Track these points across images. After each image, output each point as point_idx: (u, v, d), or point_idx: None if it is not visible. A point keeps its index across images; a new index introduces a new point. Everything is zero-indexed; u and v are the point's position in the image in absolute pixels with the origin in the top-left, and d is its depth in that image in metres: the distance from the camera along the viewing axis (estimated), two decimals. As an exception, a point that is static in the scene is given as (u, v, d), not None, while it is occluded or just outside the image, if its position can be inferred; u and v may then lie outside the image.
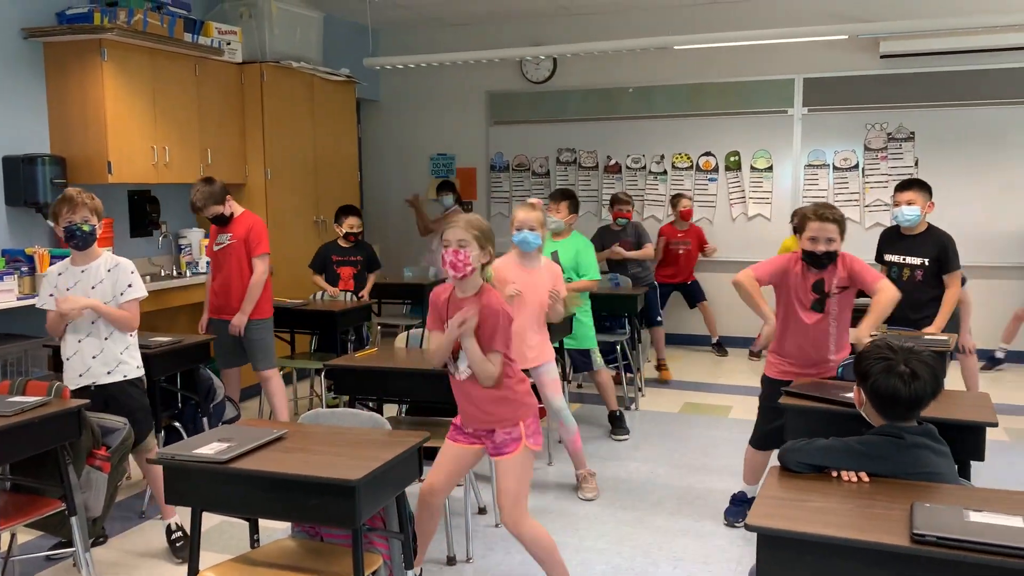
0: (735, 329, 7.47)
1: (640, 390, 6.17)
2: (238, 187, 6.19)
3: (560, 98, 8.17)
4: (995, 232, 6.90)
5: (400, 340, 4.12)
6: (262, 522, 2.84)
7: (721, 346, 7.52)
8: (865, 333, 3.36)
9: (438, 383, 3.43)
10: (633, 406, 5.86)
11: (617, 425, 5.21)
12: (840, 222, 3.42)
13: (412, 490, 3.68)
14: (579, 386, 6.43)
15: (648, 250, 6.53)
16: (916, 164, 7.10)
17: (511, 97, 8.36)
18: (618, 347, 5.91)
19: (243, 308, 4.70)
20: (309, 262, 6.04)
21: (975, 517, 1.90)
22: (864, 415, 2.36)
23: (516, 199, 8.36)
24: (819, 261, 3.44)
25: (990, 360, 6.76)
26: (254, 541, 2.78)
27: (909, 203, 4.34)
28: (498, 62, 8.14)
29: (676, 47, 7.28)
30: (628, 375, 5.97)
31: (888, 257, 4.48)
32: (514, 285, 3.84)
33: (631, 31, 7.55)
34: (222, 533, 3.75)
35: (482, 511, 3.98)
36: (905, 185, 4.40)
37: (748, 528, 1.97)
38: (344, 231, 5.91)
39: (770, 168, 7.57)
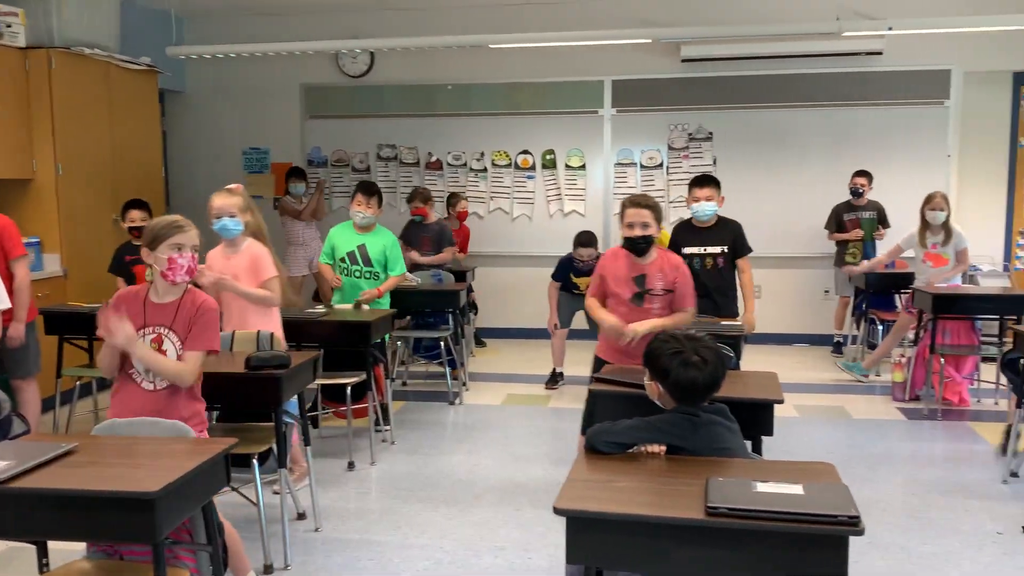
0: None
1: (464, 384, 6.21)
2: (24, 183, 5.68)
3: (378, 93, 8.08)
4: (787, 225, 7.50)
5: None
6: (55, 544, 2.62)
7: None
8: (643, 330, 3.53)
9: (255, 386, 3.31)
10: (457, 400, 5.90)
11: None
12: (654, 208, 3.63)
13: (231, 499, 3.55)
14: (404, 384, 6.39)
15: (446, 255, 6.64)
16: (715, 162, 7.60)
17: (327, 91, 8.18)
18: (442, 343, 5.94)
19: (17, 316, 4.30)
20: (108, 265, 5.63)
21: (762, 488, 2.04)
22: (660, 404, 2.48)
23: (337, 195, 8.20)
24: (637, 245, 3.63)
25: (835, 346, 7.32)
26: (43, 566, 2.55)
27: (707, 199, 4.62)
28: (313, 55, 7.95)
29: (492, 45, 7.38)
30: (453, 370, 6.00)
31: (687, 250, 4.73)
32: (211, 273, 3.83)
33: (448, 28, 7.58)
34: (10, 560, 3.43)
35: (301, 516, 3.87)
36: (701, 181, 4.67)
37: (556, 512, 2.03)
38: (127, 226, 5.47)
39: (583, 166, 7.85)
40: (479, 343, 7.69)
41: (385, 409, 5.02)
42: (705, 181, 4.66)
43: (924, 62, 7.18)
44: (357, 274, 5.03)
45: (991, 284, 6.55)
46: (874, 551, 3.47)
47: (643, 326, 3.55)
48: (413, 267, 6.30)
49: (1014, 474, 4.30)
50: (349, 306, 4.93)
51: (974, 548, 3.50)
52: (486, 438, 5.11)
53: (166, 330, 2.82)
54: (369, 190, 5.02)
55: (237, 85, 8.25)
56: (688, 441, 2.34)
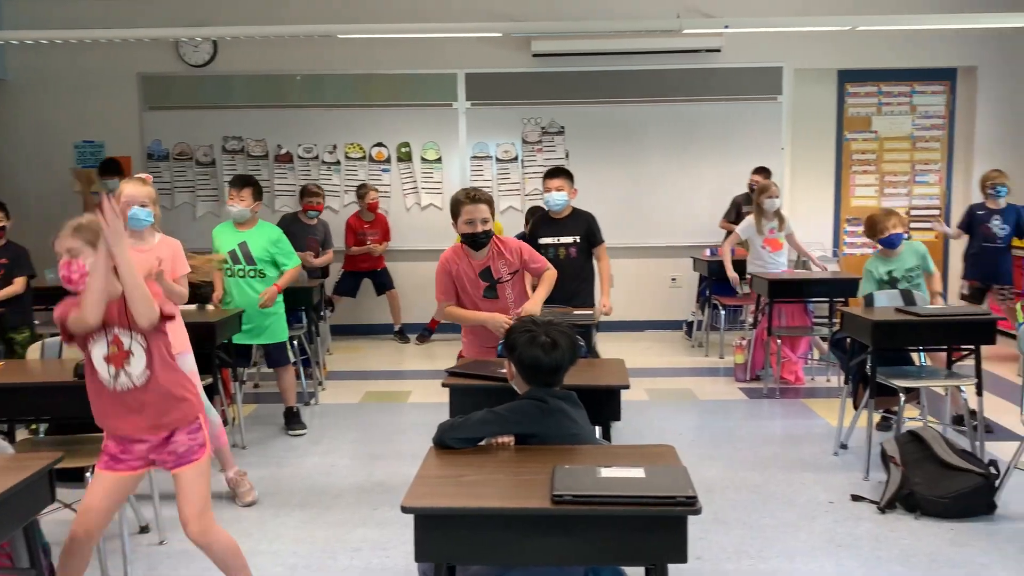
0: (420, 316, 7.63)
1: (320, 384, 6.07)
2: None
3: (223, 83, 7.75)
4: (636, 216, 7.75)
5: (33, 351, 3.63)
6: None
7: (403, 333, 7.64)
8: (536, 307, 3.58)
9: (83, 396, 3.09)
10: (313, 400, 5.75)
11: (293, 421, 5.08)
12: (490, 202, 3.65)
13: (57, 517, 3.30)
14: (256, 386, 6.18)
15: (328, 256, 6.68)
16: (567, 156, 7.75)
17: (167, 81, 7.76)
18: (295, 341, 5.77)
19: None
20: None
21: (606, 473, 2.09)
22: (515, 387, 2.51)
23: (179, 190, 7.82)
24: (478, 241, 3.62)
25: (688, 327, 7.59)
26: None
27: (558, 189, 4.73)
28: (151, 42, 7.52)
29: (341, 36, 7.22)
30: (307, 369, 5.85)
31: (543, 240, 4.82)
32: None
33: (296, 17, 7.37)
34: None
35: (144, 530, 3.66)
36: (553, 173, 4.81)
37: (404, 510, 2.00)
38: None
39: (439, 159, 7.82)
40: (402, 338, 7.55)
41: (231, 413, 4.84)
42: (556, 172, 4.80)
43: (759, 59, 7.58)
44: (241, 274, 4.78)
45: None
46: (719, 527, 3.64)
47: (534, 306, 3.57)
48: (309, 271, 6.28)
49: (844, 446, 4.62)
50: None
51: (809, 518, 3.73)
52: (343, 438, 5.01)
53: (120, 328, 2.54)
54: (241, 182, 4.76)
55: (66, 74, 7.70)
56: (538, 428, 2.37)
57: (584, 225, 4.81)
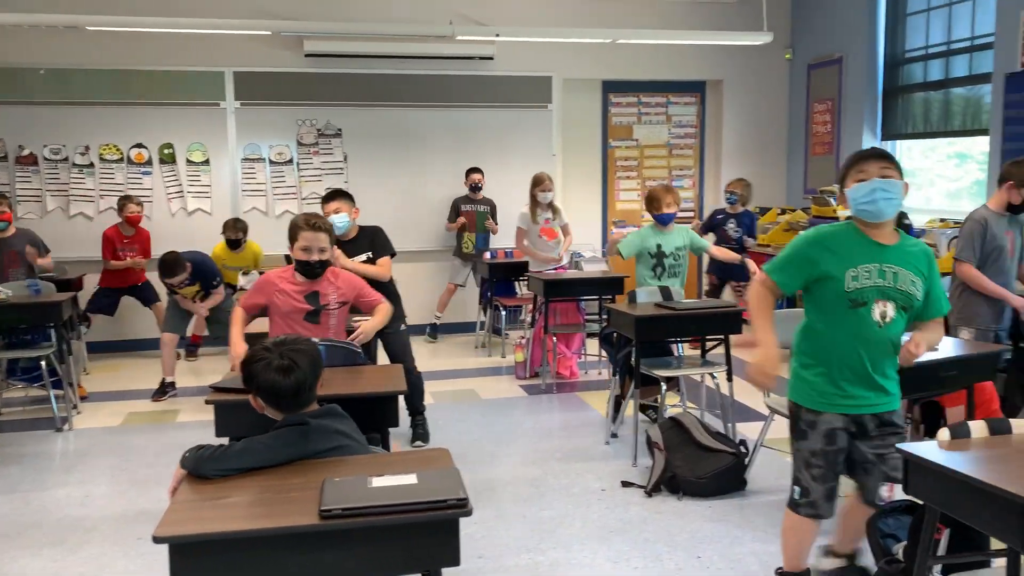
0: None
1: (75, 407, 5.53)
2: None
3: (-51, 76, 6.88)
4: (415, 220, 7.74)
5: None
6: None
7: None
8: (372, 328, 3.69)
9: None
10: (66, 426, 5.23)
11: None
12: (330, 232, 3.63)
13: None
14: (-3, 413, 5.54)
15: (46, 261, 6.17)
16: (345, 159, 7.61)
17: None
18: (43, 362, 5.23)
19: None
20: None
21: (377, 482, 2.05)
22: (271, 416, 2.40)
23: None
24: (313, 270, 3.59)
25: (432, 329, 7.61)
26: None
27: (336, 211, 4.58)
28: None
29: (90, 28, 6.63)
30: (58, 391, 5.31)
31: None
32: None
33: (36, 4, 6.68)
34: None
35: None
36: (328, 197, 4.59)
37: (155, 540, 1.85)
38: None
39: (207, 162, 7.41)
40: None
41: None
42: (332, 196, 4.59)
43: (530, 69, 7.84)
44: None
45: (592, 268, 7.34)
46: (500, 523, 3.71)
47: (371, 328, 3.69)
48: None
49: (614, 435, 4.87)
50: None
51: (583, 507, 3.90)
52: (101, 465, 4.59)
53: None
54: None
55: None
56: (304, 451, 2.27)
57: (369, 240, 4.72)
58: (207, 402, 2.91)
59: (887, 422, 2.66)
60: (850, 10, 7.50)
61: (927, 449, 2.27)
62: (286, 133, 7.50)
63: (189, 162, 7.37)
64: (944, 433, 2.31)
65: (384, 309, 3.82)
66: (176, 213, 7.37)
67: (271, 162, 7.51)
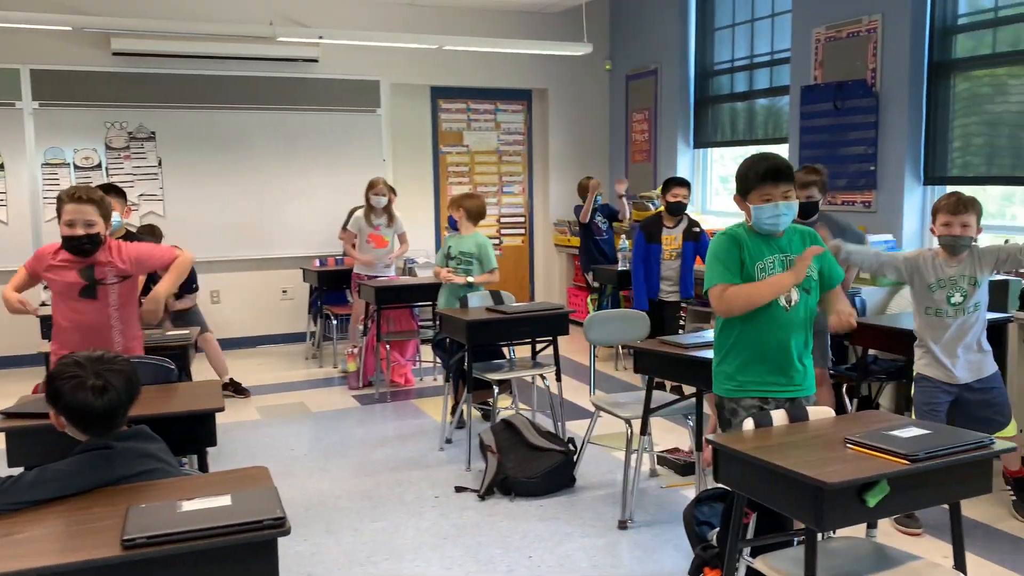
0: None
1: None
2: None
3: None
4: (242, 227, 7.43)
5: None
6: None
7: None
8: (163, 294, 3.41)
9: None
10: None
11: None
12: (100, 204, 3.34)
13: None
14: None
15: None
16: (160, 163, 7.19)
17: None
18: None
19: None
20: None
21: (187, 506, 1.93)
22: (72, 435, 2.22)
23: None
24: (80, 246, 3.31)
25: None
26: None
27: None
28: None
29: None
30: None
31: None
32: None
33: None
34: None
35: None
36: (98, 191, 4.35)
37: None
38: None
39: (1, 167, 6.78)
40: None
41: None
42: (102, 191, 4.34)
43: (356, 72, 7.72)
44: None
45: (425, 275, 7.34)
46: (330, 538, 3.61)
47: (161, 293, 3.41)
48: None
49: (448, 440, 4.87)
50: None
51: (416, 515, 3.87)
52: None
53: None
54: None
55: None
56: (107, 477, 2.11)
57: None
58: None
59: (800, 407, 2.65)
60: (664, 24, 7.89)
61: (733, 439, 2.41)
62: (93, 136, 7.00)
63: (-20, 167, 6.73)
64: (748, 423, 2.47)
65: (178, 264, 3.50)
66: (-34, 223, 6.71)
67: (76, 167, 6.98)
